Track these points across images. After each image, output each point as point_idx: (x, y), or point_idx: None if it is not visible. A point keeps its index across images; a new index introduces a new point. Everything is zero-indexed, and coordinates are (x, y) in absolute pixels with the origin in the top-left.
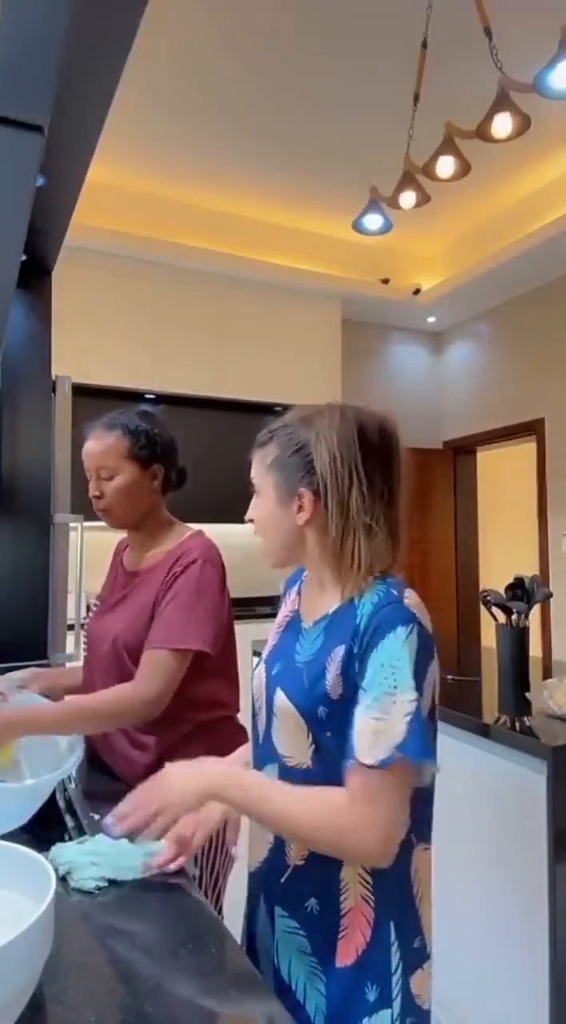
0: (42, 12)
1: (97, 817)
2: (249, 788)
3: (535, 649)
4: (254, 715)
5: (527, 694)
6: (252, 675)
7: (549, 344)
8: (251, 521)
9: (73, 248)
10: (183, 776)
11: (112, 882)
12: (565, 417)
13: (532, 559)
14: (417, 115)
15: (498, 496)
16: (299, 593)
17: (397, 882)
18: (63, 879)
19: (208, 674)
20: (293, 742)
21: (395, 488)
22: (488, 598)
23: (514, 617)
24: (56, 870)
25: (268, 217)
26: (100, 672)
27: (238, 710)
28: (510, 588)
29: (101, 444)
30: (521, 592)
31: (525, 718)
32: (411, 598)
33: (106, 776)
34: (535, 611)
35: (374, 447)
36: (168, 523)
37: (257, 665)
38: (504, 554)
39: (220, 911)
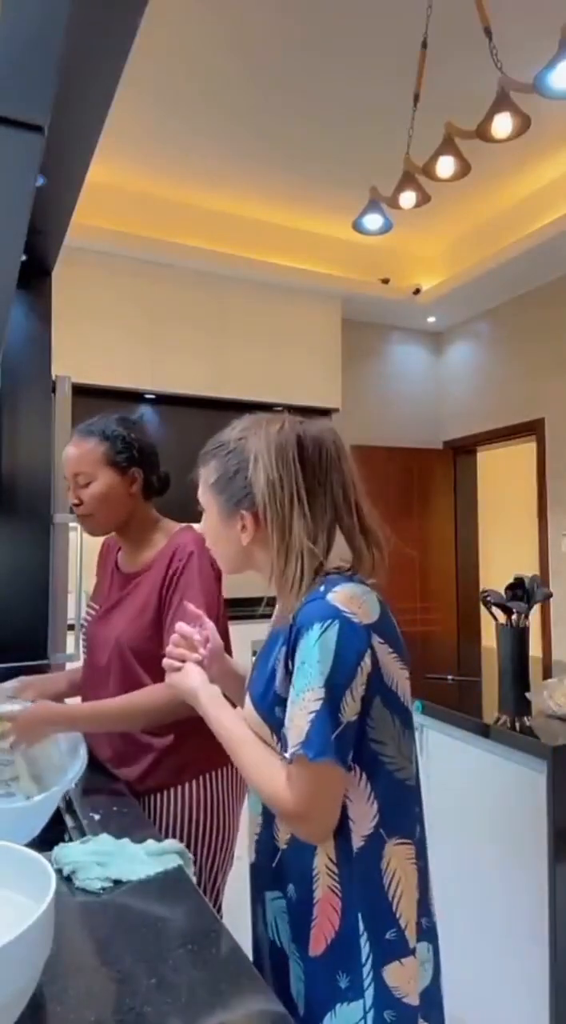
0: (42, 12)
1: (97, 817)
2: (221, 725)
3: (535, 649)
4: None
5: (527, 694)
6: None
7: (549, 344)
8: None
9: (73, 248)
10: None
11: (117, 882)
12: (565, 417)
13: (532, 559)
14: (417, 115)
15: (498, 496)
16: None
17: (365, 875)
18: (68, 879)
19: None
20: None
21: (352, 496)
22: (488, 598)
23: (514, 617)
24: (61, 870)
25: (268, 217)
26: (104, 675)
27: (235, 706)
28: (510, 588)
29: (77, 451)
30: (521, 592)
31: (525, 718)
32: (340, 594)
33: (105, 776)
34: (535, 611)
35: (317, 464)
36: (156, 523)
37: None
38: (504, 554)
39: (219, 910)
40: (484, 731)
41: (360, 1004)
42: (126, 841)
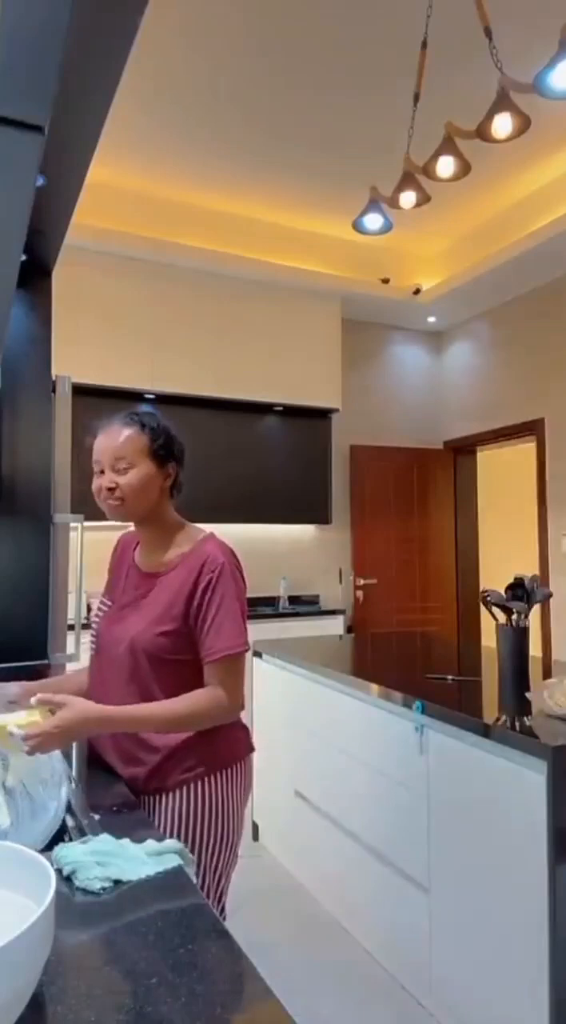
0: (42, 12)
1: (97, 817)
2: None
3: (535, 649)
4: None
5: (527, 694)
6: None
7: (549, 344)
8: None
9: (73, 248)
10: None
11: (117, 882)
12: (565, 417)
13: (532, 559)
14: (417, 115)
15: (498, 496)
16: None
17: None
18: (68, 879)
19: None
20: None
21: None
22: (488, 598)
23: (514, 617)
24: (60, 870)
25: (268, 217)
26: (112, 673)
27: (242, 708)
28: (510, 588)
29: (121, 436)
30: (521, 592)
31: (525, 718)
32: None
33: (106, 776)
34: (535, 611)
35: None
36: (179, 524)
37: None
38: (504, 554)
39: (223, 910)
40: (484, 731)
41: None
42: (126, 841)
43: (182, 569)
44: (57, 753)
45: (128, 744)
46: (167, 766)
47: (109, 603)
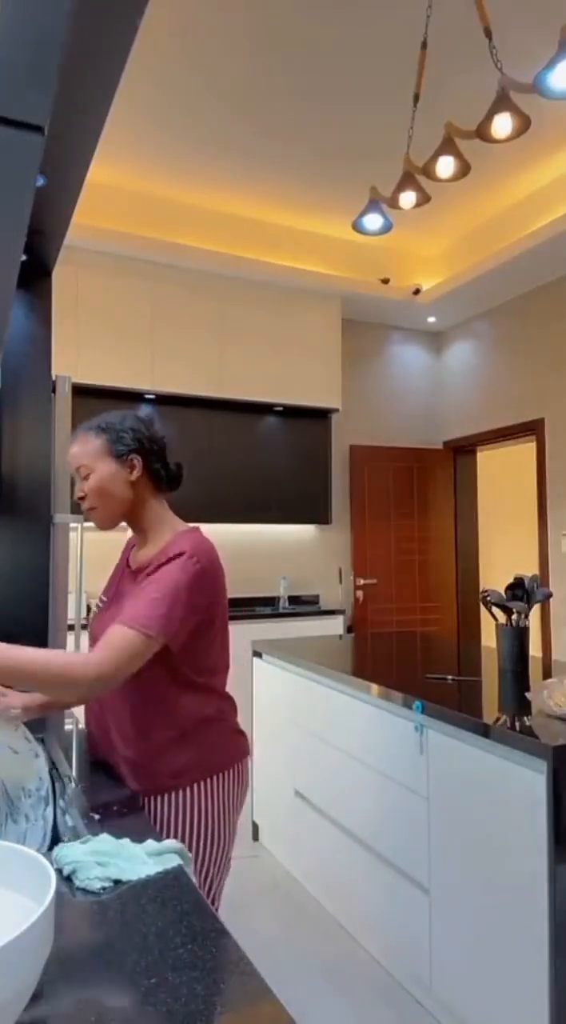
0: (42, 11)
1: (97, 817)
2: None
3: (535, 649)
4: None
5: (527, 694)
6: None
7: (549, 344)
8: None
9: (73, 248)
10: None
11: (117, 882)
12: (565, 417)
13: (532, 559)
14: (417, 115)
15: (498, 496)
16: None
17: None
18: (68, 879)
19: (202, 677)
20: None
21: None
22: (488, 598)
23: (514, 617)
24: (61, 870)
25: (268, 217)
26: None
27: (234, 713)
28: (510, 588)
29: (78, 447)
30: (521, 592)
31: (525, 718)
32: None
33: (106, 776)
34: (535, 611)
35: None
36: (164, 520)
37: None
38: (504, 554)
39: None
40: (484, 731)
41: None
42: (126, 841)
43: (156, 562)
44: (45, 770)
45: (131, 732)
46: (159, 765)
47: (105, 599)
